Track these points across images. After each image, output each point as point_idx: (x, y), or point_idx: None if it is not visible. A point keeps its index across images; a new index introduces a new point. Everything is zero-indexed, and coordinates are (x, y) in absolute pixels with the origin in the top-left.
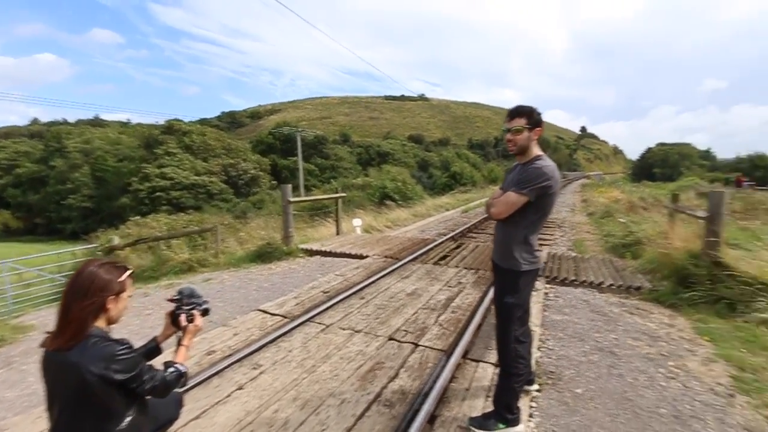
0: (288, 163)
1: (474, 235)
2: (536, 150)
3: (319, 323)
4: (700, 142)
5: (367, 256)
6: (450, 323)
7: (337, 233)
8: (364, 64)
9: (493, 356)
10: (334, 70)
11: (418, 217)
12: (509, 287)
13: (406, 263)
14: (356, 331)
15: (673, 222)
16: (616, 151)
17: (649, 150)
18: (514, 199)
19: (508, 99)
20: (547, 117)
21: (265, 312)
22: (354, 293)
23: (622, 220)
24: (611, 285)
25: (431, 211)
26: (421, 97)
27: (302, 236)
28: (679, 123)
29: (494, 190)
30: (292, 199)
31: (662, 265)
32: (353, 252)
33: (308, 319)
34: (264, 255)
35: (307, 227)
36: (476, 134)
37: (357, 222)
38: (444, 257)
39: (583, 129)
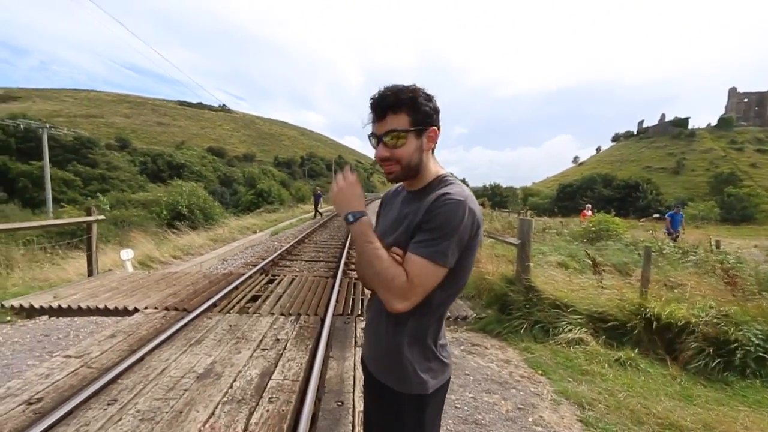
0: (30, 168)
1: (288, 263)
2: (435, 167)
3: None
4: (457, 173)
5: (135, 311)
6: (270, 426)
7: (90, 273)
8: (152, 62)
9: None
10: (111, 62)
11: (218, 243)
12: (406, 426)
13: (198, 316)
14: None
15: (480, 247)
16: None
17: None
18: (430, 272)
19: (312, 121)
20: (347, 142)
21: None
22: (97, 392)
23: None
24: None
25: (235, 234)
26: (223, 108)
27: (29, 279)
28: (440, 157)
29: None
30: None
31: (481, 291)
32: (112, 305)
33: None
34: None
35: (47, 263)
36: (283, 152)
37: (127, 254)
38: (254, 298)
39: None
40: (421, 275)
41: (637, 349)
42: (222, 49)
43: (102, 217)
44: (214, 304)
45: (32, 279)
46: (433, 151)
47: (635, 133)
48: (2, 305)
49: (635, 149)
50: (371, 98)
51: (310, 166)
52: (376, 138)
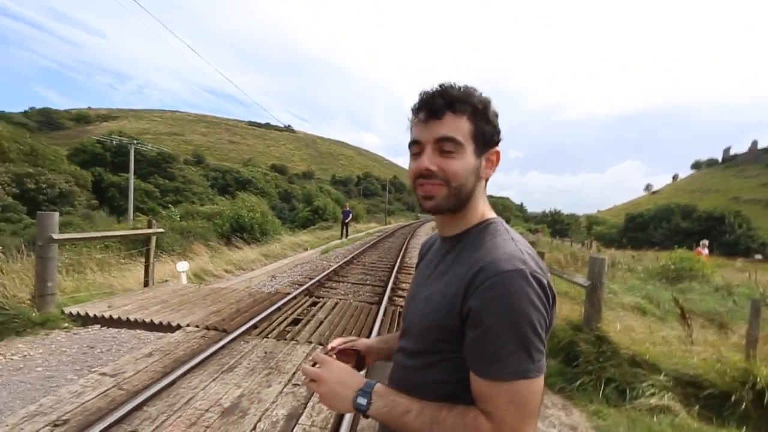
0: (119, 179)
1: (334, 284)
2: (484, 206)
3: None
4: (513, 198)
5: (178, 327)
6: None
7: (146, 284)
8: (228, 86)
9: None
10: (193, 86)
11: (270, 258)
12: None
13: (236, 338)
14: None
15: None
16: None
17: None
18: (526, 394)
19: (369, 141)
20: (401, 162)
21: None
22: (121, 420)
23: None
24: None
25: (287, 250)
26: (288, 128)
27: (98, 284)
28: (495, 180)
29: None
30: (57, 236)
31: None
32: (158, 320)
33: None
34: None
35: (116, 269)
36: (340, 171)
37: (182, 266)
38: (294, 322)
39: None
40: (518, 405)
41: (744, 428)
42: (291, 74)
43: (161, 230)
44: (255, 326)
45: (100, 284)
46: (485, 184)
47: (720, 160)
48: (65, 314)
49: (720, 178)
50: (423, 92)
51: (365, 185)
52: (419, 145)
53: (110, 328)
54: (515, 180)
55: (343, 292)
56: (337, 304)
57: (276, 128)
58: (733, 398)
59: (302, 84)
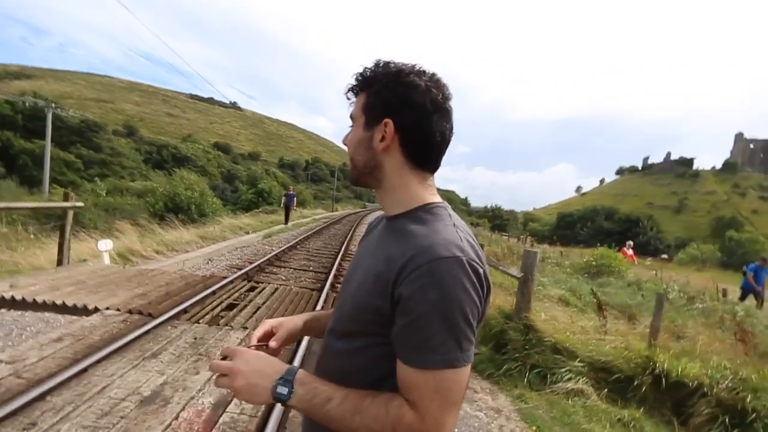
0: (32, 146)
1: (275, 269)
2: (420, 190)
3: None
4: (458, 191)
5: (96, 310)
6: None
7: (60, 263)
8: (167, 53)
9: None
10: (127, 50)
11: (207, 240)
12: None
13: (163, 323)
14: None
15: None
16: None
17: None
18: (450, 384)
19: (320, 126)
20: None
21: None
22: (16, 412)
23: None
24: None
25: (227, 233)
26: (234, 105)
27: None
28: (442, 174)
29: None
30: None
31: None
32: (71, 302)
33: None
34: None
35: (23, 246)
36: (288, 154)
37: (105, 245)
38: (230, 307)
39: None
40: (442, 395)
41: (642, 408)
42: (239, 48)
43: (80, 204)
44: (185, 311)
45: (3, 262)
46: (419, 167)
47: (640, 168)
48: None
49: (639, 184)
50: None
51: (314, 170)
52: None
53: (11, 311)
54: (462, 174)
55: (284, 278)
56: (277, 289)
57: (221, 104)
58: (635, 382)
59: (252, 60)
